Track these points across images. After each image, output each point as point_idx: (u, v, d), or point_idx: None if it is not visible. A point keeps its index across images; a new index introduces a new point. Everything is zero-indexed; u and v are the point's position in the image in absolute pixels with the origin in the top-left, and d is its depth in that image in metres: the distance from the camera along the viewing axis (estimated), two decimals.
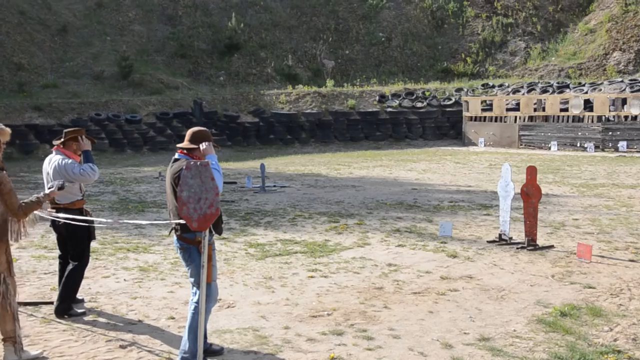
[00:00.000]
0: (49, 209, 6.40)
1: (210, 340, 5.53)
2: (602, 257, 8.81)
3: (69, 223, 6.29)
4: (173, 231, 5.32)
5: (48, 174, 6.50)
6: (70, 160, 6.46)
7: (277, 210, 13.21)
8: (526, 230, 9.47)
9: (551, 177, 18.47)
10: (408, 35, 42.85)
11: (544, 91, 32.44)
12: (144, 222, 6.43)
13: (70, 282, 6.50)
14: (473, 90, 35.37)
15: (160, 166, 23.24)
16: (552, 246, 9.46)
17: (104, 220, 7.26)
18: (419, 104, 34.94)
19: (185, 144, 5.36)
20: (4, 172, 5.26)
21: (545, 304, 6.72)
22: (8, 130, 5.43)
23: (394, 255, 9.10)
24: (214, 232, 5.20)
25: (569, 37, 39.53)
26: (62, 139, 6.61)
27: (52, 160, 6.52)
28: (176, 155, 5.37)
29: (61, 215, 6.34)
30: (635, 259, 8.67)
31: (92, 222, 6.67)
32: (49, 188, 5.75)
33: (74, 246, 6.60)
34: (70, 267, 6.56)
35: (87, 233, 6.62)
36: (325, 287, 7.45)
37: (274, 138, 32.96)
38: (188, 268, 5.28)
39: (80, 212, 6.53)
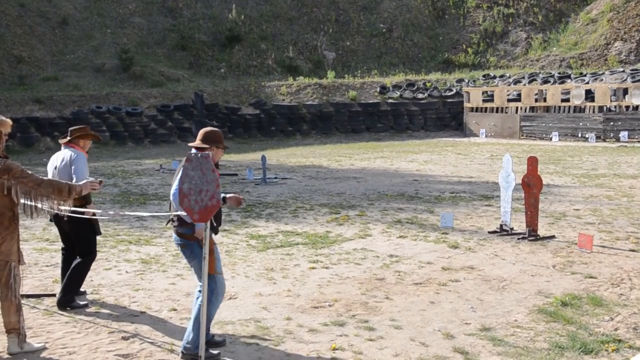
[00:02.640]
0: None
1: (212, 331, 5.55)
2: (603, 247, 8.81)
3: (72, 220, 6.29)
4: (172, 227, 5.35)
5: (56, 167, 6.51)
6: (82, 154, 6.54)
7: (278, 202, 13.22)
8: (527, 221, 9.47)
9: (552, 168, 18.46)
10: (409, 26, 42.72)
11: (545, 82, 32.37)
12: (144, 214, 6.45)
13: (75, 275, 6.50)
14: (474, 81, 35.28)
15: (161, 159, 23.26)
16: (553, 236, 9.47)
17: (100, 212, 7.26)
18: (420, 95, 34.88)
19: (197, 143, 5.44)
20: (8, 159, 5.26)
21: (546, 294, 6.73)
22: (9, 121, 5.41)
23: (395, 246, 9.11)
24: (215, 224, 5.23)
25: (571, 27, 39.39)
26: (69, 138, 6.62)
27: (64, 154, 6.54)
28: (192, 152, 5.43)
29: (63, 208, 6.34)
30: (636, 249, 8.67)
31: (93, 214, 6.66)
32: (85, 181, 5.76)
33: (81, 243, 6.59)
34: (77, 260, 6.55)
35: (91, 228, 6.62)
36: (326, 278, 7.47)
37: (275, 130, 32.93)
38: (192, 264, 5.37)
39: (82, 207, 6.52)
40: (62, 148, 6.65)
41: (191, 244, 5.23)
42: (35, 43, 36.23)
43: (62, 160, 6.51)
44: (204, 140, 5.43)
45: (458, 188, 14.87)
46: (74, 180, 6.23)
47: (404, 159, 22.07)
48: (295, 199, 13.66)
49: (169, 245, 9.18)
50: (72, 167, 6.41)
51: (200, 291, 5.22)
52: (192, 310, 5.27)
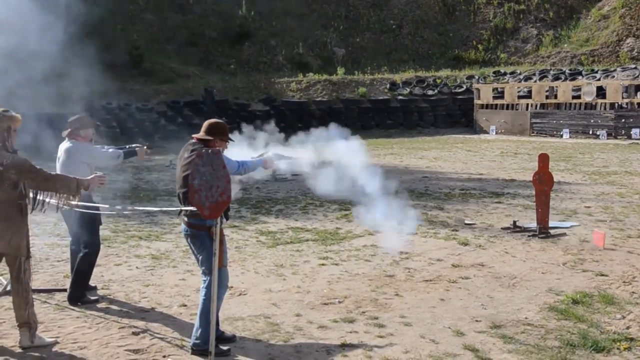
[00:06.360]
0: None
1: (222, 327, 5.55)
2: (615, 244, 8.76)
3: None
4: (183, 217, 5.30)
5: (58, 158, 6.53)
6: (86, 143, 6.54)
7: (288, 199, 13.22)
8: (538, 218, 9.43)
9: (563, 165, 18.36)
10: (419, 23, 42.58)
11: (556, 78, 32.18)
12: (154, 209, 6.46)
13: (81, 269, 6.50)
14: (484, 77, 35.14)
15: (171, 155, 23.28)
16: (564, 234, 9.42)
17: (107, 206, 7.28)
18: (430, 92, 34.76)
19: (201, 134, 5.38)
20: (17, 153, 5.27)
21: (557, 292, 6.70)
22: (19, 116, 5.43)
23: (405, 243, 9.08)
24: (225, 220, 5.20)
25: (582, 23, 39.13)
26: (69, 129, 6.62)
27: (65, 147, 6.55)
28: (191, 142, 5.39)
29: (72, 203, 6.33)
30: None
31: (97, 208, 6.62)
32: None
33: (81, 233, 6.60)
34: (81, 253, 6.57)
35: (92, 218, 6.52)
36: (336, 275, 7.46)
37: (284, 126, 32.83)
38: (199, 255, 5.27)
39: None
40: (66, 140, 6.64)
41: (202, 235, 5.16)
42: None
43: (63, 153, 6.52)
44: (208, 132, 5.36)
45: (468, 185, 14.82)
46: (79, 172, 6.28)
47: (413, 156, 22.02)
48: (305, 195, 13.65)
49: (179, 241, 9.19)
50: (81, 155, 6.42)
51: (204, 287, 5.20)
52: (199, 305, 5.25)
